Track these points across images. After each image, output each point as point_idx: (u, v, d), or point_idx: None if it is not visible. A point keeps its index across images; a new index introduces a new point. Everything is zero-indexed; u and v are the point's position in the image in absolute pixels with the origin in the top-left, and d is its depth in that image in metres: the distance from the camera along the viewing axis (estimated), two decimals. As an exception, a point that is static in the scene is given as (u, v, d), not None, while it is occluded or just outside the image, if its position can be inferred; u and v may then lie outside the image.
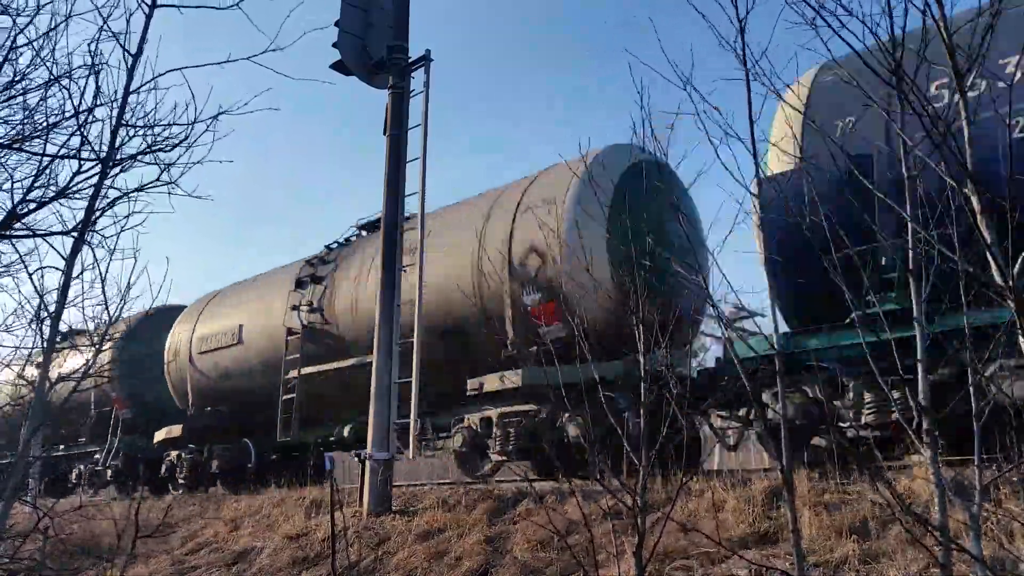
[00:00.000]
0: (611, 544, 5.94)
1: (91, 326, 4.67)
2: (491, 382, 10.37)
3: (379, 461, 9.32)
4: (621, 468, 5.75)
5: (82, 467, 19.05)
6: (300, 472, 13.35)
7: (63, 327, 4.41)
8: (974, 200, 2.30)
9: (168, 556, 10.04)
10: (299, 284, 14.05)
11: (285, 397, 13.40)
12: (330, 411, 13.40)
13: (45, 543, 6.19)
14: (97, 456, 18.40)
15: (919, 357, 2.84)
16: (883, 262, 6.99)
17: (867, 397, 7.38)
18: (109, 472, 17.83)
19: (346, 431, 13.16)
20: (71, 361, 6.19)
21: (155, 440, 16.40)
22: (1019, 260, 2.30)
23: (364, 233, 14.43)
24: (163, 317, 17.37)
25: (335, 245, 14.70)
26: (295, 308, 13.64)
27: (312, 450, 14.19)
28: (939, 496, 2.74)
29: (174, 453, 16.15)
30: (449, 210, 12.69)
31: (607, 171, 10.15)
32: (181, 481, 15.83)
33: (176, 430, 15.83)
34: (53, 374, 4.49)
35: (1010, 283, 2.21)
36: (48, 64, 4.08)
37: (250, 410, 14.73)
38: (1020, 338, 2.43)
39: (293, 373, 13.38)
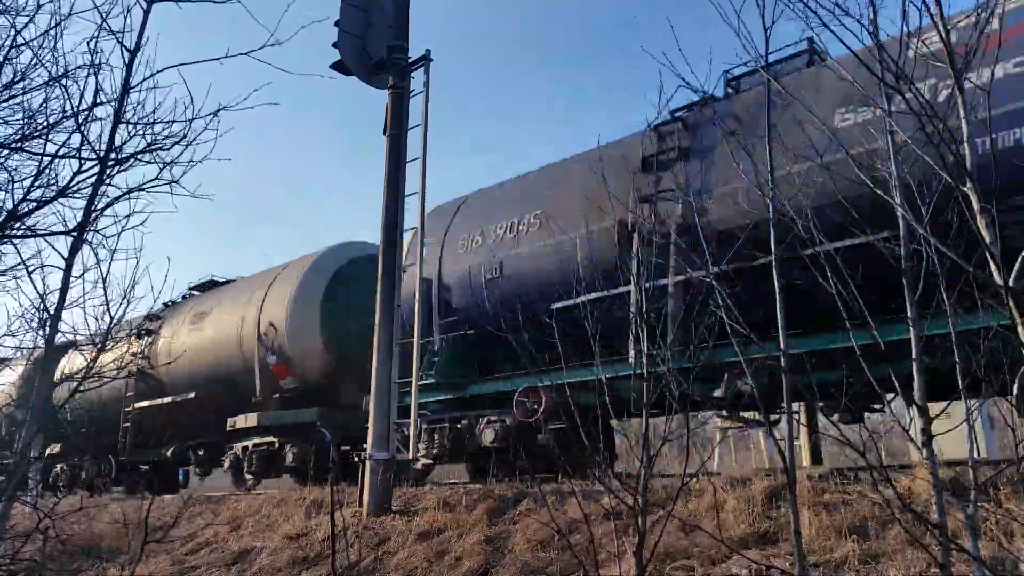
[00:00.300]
0: (611, 544, 5.94)
1: (93, 327, 4.68)
2: (240, 421, 14.28)
3: (379, 461, 9.31)
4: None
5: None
6: (157, 482, 18.04)
7: (67, 328, 4.43)
8: (973, 199, 2.29)
9: (168, 556, 10.03)
10: (138, 335, 17.72)
11: (124, 425, 17.56)
12: (160, 436, 17.48)
13: (45, 544, 6.19)
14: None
15: (915, 358, 2.83)
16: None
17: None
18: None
19: (169, 453, 17.36)
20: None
21: (46, 454, 19.39)
22: (1019, 260, 2.29)
23: (196, 293, 18.43)
24: (66, 350, 19.32)
25: (170, 303, 18.31)
26: (133, 355, 17.14)
27: (156, 466, 18.52)
28: (936, 496, 2.74)
29: (59, 465, 19.97)
30: (232, 285, 17.46)
31: (332, 263, 14.91)
32: (61, 486, 19.50)
33: (56, 447, 19.60)
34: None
35: (1008, 283, 2.21)
36: (47, 64, 4.08)
37: (111, 433, 18.14)
38: (1022, 338, 2.43)
39: (129, 407, 17.53)
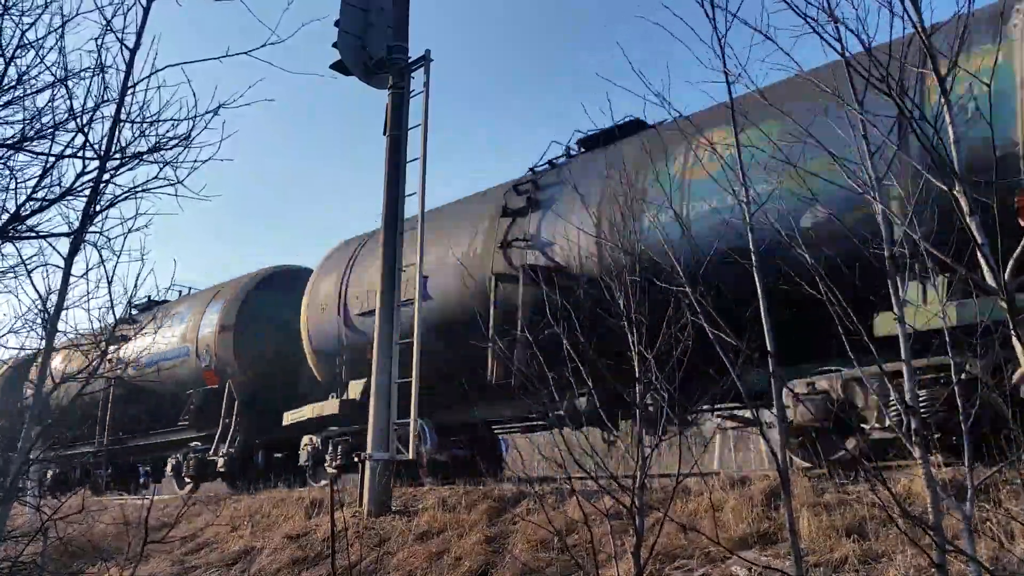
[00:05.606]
0: (611, 544, 5.94)
1: (96, 327, 4.70)
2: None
3: (379, 461, 9.33)
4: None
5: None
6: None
7: (69, 329, 4.44)
8: (963, 201, 2.31)
9: (168, 556, 10.06)
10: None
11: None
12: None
13: (46, 545, 6.20)
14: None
15: (904, 358, 2.84)
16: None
17: None
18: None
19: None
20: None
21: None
22: (1010, 261, 2.31)
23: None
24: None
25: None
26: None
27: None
28: (932, 496, 2.75)
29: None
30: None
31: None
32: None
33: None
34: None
35: (1002, 284, 2.22)
36: (52, 66, 4.09)
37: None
38: (1014, 339, 2.44)
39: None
